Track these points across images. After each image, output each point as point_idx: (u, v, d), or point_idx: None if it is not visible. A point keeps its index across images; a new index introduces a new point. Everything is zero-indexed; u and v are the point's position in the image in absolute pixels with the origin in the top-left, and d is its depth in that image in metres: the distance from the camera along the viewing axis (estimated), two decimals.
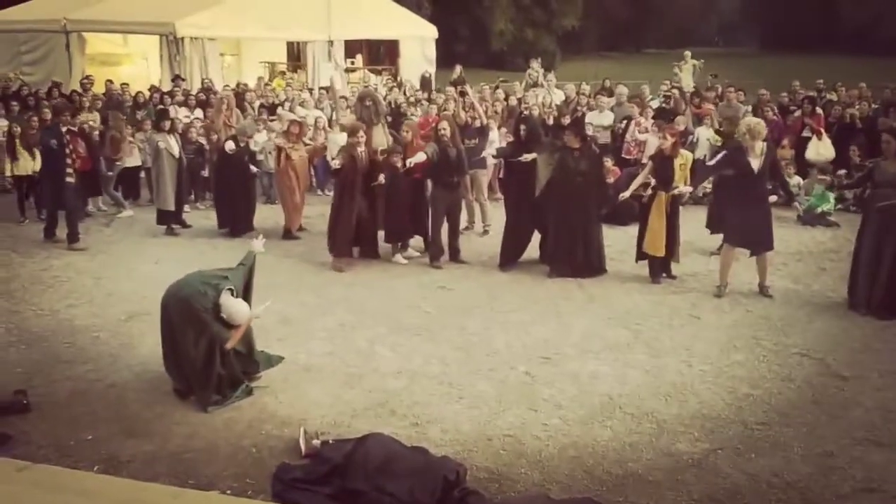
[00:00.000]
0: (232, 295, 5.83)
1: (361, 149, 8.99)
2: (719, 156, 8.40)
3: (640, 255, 8.62)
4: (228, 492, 4.74)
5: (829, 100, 13.57)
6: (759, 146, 7.70)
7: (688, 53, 21.79)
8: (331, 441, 5.16)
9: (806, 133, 12.40)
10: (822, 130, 12.14)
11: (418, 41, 22.98)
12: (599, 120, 13.26)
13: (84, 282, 8.70)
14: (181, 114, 14.84)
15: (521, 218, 9.08)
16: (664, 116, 12.65)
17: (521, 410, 5.71)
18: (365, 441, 4.83)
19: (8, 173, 11.50)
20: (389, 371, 6.40)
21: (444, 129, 8.95)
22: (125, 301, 8.01)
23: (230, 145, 10.32)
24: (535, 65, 17.71)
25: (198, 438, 5.40)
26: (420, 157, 8.78)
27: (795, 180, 11.72)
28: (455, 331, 7.26)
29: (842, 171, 11.53)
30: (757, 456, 5.09)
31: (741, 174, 7.81)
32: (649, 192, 8.49)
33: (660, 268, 8.55)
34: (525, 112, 12.51)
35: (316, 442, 5.16)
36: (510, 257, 9.12)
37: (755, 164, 7.70)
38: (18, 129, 11.20)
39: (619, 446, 5.22)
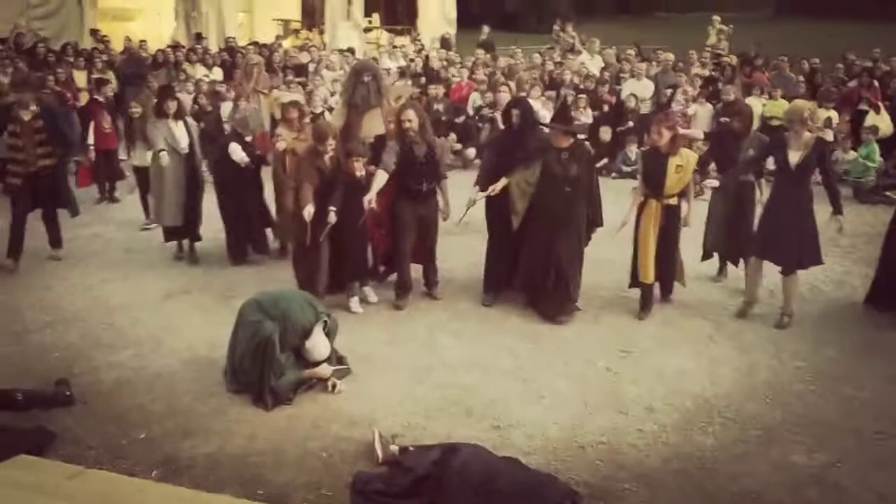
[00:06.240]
0: (324, 329, 5.53)
1: (329, 155, 6.56)
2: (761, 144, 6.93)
3: (634, 280, 6.88)
4: None
5: (886, 71, 12.91)
6: (805, 137, 6.25)
7: (717, 18, 21.08)
8: (410, 448, 4.69)
9: (862, 106, 11.80)
10: (880, 104, 11.55)
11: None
12: (640, 89, 12.68)
13: (115, 255, 8.22)
14: (199, 72, 14.23)
15: (501, 238, 7.05)
16: (712, 84, 12.14)
17: (611, 413, 5.24)
18: (457, 452, 4.34)
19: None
20: (458, 364, 5.91)
21: (410, 120, 6.61)
22: (161, 277, 7.54)
23: (241, 156, 7.60)
24: (570, 28, 17.01)
25: (260, 439, 4.94)
26: (381, 179, 6.52)
27: (852, 155, 11.17)
28: (518, 318, 6.76)
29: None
30: (880, 470, 4.61)
31: (777, 168, 6.49)
32: (640, 199, 6.72)
33: (652, 295, 6.88)
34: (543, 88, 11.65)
35: (394, 447, 4.70)
36: (493, 286, 7.18)
37: (794, 157, 6.23)
38: (139, 110, 9.04)
39: (727, 457, 4.75)
